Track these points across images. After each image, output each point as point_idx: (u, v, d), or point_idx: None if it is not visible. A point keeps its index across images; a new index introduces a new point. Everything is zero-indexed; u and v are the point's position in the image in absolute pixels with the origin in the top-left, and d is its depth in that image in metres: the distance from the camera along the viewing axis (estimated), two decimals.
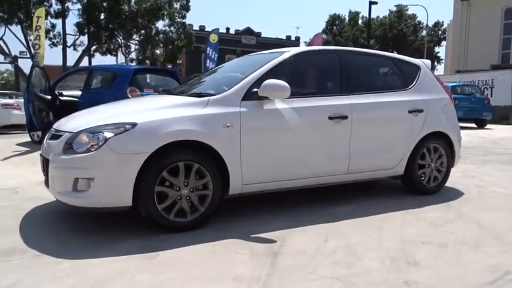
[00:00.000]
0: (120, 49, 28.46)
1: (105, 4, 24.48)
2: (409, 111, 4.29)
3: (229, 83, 3.64)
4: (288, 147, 3.65)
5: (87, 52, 26.35)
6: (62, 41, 25.90)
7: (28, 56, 23.91)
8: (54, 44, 25.96)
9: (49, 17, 24.26)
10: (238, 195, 3.53)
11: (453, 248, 2.96)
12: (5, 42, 24.65)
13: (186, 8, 27.78)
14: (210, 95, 3.51)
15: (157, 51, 28.12)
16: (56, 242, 3.04)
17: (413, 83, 4.48)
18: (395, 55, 4.70)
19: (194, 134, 3.21)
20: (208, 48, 24.30)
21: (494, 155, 7.65)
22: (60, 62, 26.54)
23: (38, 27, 17.24)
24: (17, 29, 24.52)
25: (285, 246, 2.98)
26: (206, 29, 34.83)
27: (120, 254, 2.79)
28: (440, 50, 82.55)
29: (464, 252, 2.89)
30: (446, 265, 2.67)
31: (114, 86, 7.49)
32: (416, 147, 4.36)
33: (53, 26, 25.41)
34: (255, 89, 3.49)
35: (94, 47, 27.78)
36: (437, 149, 4.55)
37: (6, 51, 24.73)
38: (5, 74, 60.98)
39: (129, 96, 7.16)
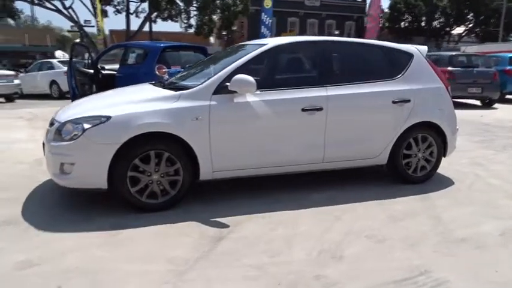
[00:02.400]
0: (179, 15, 29.12)
1: None
2: (393, 102, 4.30)
3: (207, 76, 3.91)
4: (259, 138, 3.89)
5: (148, 19, 27.33)
6: (125, 8, 27.06)
7: (92, 24, 25.42)
8: (118, 11, 27.21)
9: None
10: (210, 180, 3.87)
11: (390, 244, 3.10)
12: (74, 11, 26.26)
13: None
14: (188, 88, 3.81)
15: (215, 17, 28.41)
16: (49, 216, 3.58)
17: (402, 72, 4.44)
18: (385, 44, 4.62)
19: (162, 126, 3.56)
20: (263, 14, 24.24)
21: None
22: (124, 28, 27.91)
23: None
24: None
25: (234, 232, 3.29)
26: None
27: (91, 230, 3.27)
28: None
29: (397, 249, 3.03)
30: (369, 261, 2.85)
31: (145, 63, 8.00)
32: (401, 137, 4.39)
33: None
34: (226, 83, 3.73)
35: (155, 14, 28.72)
36: (426, 139, 4.53)
37: (75, 19, 26.38)
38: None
39: (157, 73, 7.64)
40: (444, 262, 2.86)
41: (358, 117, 4.23)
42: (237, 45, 4.92)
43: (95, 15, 23.84)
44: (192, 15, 29.11)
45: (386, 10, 44.02)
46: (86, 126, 3.47)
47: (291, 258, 2.87)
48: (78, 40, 25.24)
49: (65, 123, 3.58)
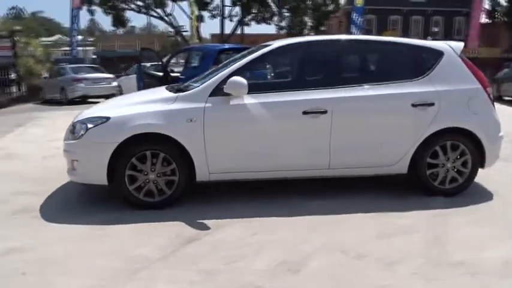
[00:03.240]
0: (272, 18, 29.56)
1: None
2: (413, 105, 3.89)
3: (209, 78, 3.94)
4: (256, 141, 3.81)
5: (241, 22, 28.23)
6: (220, 13, 28.28)
7: (186, 29, 27.00)
8: (213, 16, 28.53)
9: None
10: (208, 182, 3.90)
11: (366, 261, 2.82)
12: (174, 17, 28.18)
13: None
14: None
15: (306, 18, 28.30)
16: (61, 208, 3.91)
17: (428, 72, 3.99)
18: (408, 41, 4.18)
19: (156, 127, 3.67)
20: (353, 13, 23.53)
21: None
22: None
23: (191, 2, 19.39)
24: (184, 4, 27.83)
25: (211, 235, 3.28)
26: None
27: (82, 223, 3.50)
28: None
29: (371, 267, 2.75)
30: (328, 278, 2.63)
31: (202, 64, 8.29)
32: (424, 144, 3.95)
33: None
34: (223, 86, 3.72)
35: (250, 17, 29.55)
36: (457, 147, 4.02)
37: (175, 24, 28.25)
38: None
39: None
40: (419, 286, 2.53)
41: (370, 121, 3.91)
42: (257, 46, 4.87)
43: (190, 20, 25.28)
44: (284, 17, 29.38)
45: (504, 3, 39.63)
46: (89, 126, 3.73)
47: (248, 266, 2.77)
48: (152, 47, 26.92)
49: (76, 123, 3.89)
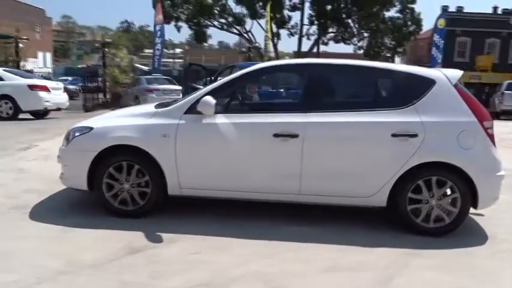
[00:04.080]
0: (352, 38, 29.20)
1: None
2: (393, 135, 3.65)
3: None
4: (226, 160, 3.83)
5: (318, 41, 28.26)
6: (298, 31, 28.60)
7: (259, 46, 27.62)
8: (291, 34, 28.91)
9: (286, 10, 27.18)
10: (180, 196, 4.00)
11: None
12: (252, 34, 29.04)
13: None
14: None
15: (386, 40, 27.49)
16: (51, 208, 4.24)
17: (414, 102, 3.73)
18: (396, 67, 3.93)
19: (132, 140, 3.87)
20: (435, 35, 22.39)
21: None
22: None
23: (267, 21, 19.95)
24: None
25: (157, 248, 3.36)
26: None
27: (58, 224, 3.77)
28: None
29: None
30: None
31: None
32: (405, 177, 3.68)
33: (289, 17, 28.25)
34: (197, 105, 3.83)
35: (329, 36, 29.53)
36: (444, 184, 3.69)
37: (253, 41, 29.09)
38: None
39: (247, 92, 8.05)
40: None
41: (344, 149, 3.74)
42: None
43: (265, 37, 25.85)
44: (363, 37, 28.87)
45: None
46: (76, 134, 4.04)
47: (162, 284, 2.80)
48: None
49: (69, 132, 4.23)
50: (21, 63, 24.75)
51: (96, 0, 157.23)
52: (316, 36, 28.50)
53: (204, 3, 27.84)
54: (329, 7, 26.32)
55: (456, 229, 3.76)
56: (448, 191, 3.73)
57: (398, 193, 3.72)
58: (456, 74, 3.87)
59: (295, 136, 3.70)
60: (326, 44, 29.49)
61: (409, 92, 3.79)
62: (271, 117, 3.80)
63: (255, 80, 4.14)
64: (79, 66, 40.50)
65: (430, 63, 21.29)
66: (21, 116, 12.06)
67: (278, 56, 29.27)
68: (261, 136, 3.77)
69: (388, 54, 26.09)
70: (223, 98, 3.94)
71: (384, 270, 3.10)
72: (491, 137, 3.74)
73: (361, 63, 4.12)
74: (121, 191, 3.96)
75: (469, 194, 3.68)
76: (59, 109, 13.22)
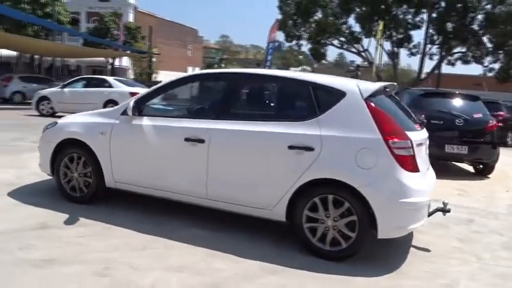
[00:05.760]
0: (484, 57, 26.29)
1: (454, 14, 23.50)
2: (290, 147, 3.52)
3: None
4: (148, 160, 4.13)
5: (440, 61, 26.12)
6: (420, 51, 26.83)
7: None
8: (412, 54, 27.28)
9: (405, 29, 25.82)
10: (116, 189, 4.41)
11: None
12: (369, 53, 28.17)
13: None
14: None
15: None
16: (31, 191, 5.07)
17: (319, 113, 3.54)
18: (307, 78, 3.69)
19: (78, 135, 4.44)
20: None
21: None
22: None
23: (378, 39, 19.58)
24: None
25: (64, 229, 3.81)
26: None
27: (51, 209, 4.36)
28: None
29: None
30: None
31: None
32: (300, 192, 3.52)
33: (409, 36, 26.67)
34: None
35: (457, 55, 27.10)
36: (341, 204, 3.41)
37: (370, 59, 28.12)
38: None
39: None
40: None
41: (244, 158, 3.74)
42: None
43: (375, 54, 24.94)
44: (498, 58, 25.76)
45: None
46: (48, 127, 4.79)
47: (26, 256, 3.22)
48: None
49: (46, 125, 4.98)
50: (153, 75, 28.35)
51: (252, 22, 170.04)
52: (438, 56, 26.40)
53: (323, 22, 28.15)
54: (450, 25, 24.22)
55: (355, 255, 3.42)
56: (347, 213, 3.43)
57: (295, 209, 3.56)
58: (371, 87, 3.56)
59: (201, 141, 3.83)
60: (453, 64, 27.03)
61: (317, 103, 3.60)
62: (185, 122, 4.00)
63: (180, 88, 4.36)
64: None
65: None
66: None
67: (396, 75, 27.86)
68: (174, 139, 3.98)
69: None
70: (153, 102, 4.27)
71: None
72: (400, 157, 3.33)
73: (274, 72, 4.08)
74: (72, 179, 4.55)
75: (367, 218, 3.33)
76: None
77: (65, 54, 27.53)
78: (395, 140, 3.35)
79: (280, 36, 28.79)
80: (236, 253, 3.48)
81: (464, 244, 4.15)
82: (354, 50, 29.20)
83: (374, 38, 25.04)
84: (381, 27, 21.04)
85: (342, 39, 29.26)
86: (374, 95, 3.53)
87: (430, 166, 4.28)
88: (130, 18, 39.08)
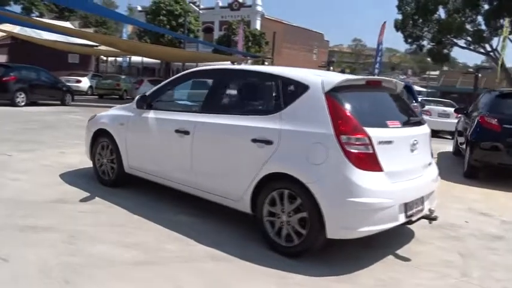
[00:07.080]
0: None
1: None
2: (253, 140, 3.61)
3: None
4: (152, 149, 4.58)
5: None
6: None
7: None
8: None
9: None
10: (130, 174, 4.94)
11: None
12: (499, 53, 24.98)
13: None
14: None
15: None
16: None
17: (283, 107, 3.56)
18: (275, 71, 3.66)
19: (106, 125, 5.09)
20: None
21: None
22: None
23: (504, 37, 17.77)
24: None
25: (79, 205, 4.45)
26: None
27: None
28: None
29: None
30: None
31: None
32: (262, 186, 3.58)
33: None
34: None
35: None
36: (294, 199, 3.38)
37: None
38: None
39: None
40: None
41: (217, 150, 3.94)
42: None
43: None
44: None
45: None
46: (90, 119, 5.56)
47: (23, 223, 3.88)
48: None
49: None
50: None
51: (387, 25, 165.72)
52: None
53: (446, 20, 26.02)
54: None
55: (307, 253, 3.35)
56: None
57: (258, 201, 3.63)
58: (333, 79, 3.44)
59: (187, 133, 4.12)
60: None
61: (282, 97, 3.62)
62: (178, 115, 4.33)
63: (181, 84, 4.67)
64: None
65: None
66: None
67: None
68: (167, 131, 4.34)
69: None
70: (160, 98, 4.69)
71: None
72: (352, 154, 3.17)
73: (244, 67, 4.11)
74: (102, 164, 5.22)
75: (316, 215, 3.25)
76: None
77: (190, 59, 30.45)
78: (349, 136, 3.19)
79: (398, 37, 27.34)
80: (195, 238, 3.67)
81: (462, 259, 3.68)
82: (482, 50, 26.35)
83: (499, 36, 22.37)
84: (506, 23, 18.70)
85: (469, 38, 26.65)
86: (337, 89, 3.40)
87: (431, 166, 3.94)
88: (258, 25, 41.06)
